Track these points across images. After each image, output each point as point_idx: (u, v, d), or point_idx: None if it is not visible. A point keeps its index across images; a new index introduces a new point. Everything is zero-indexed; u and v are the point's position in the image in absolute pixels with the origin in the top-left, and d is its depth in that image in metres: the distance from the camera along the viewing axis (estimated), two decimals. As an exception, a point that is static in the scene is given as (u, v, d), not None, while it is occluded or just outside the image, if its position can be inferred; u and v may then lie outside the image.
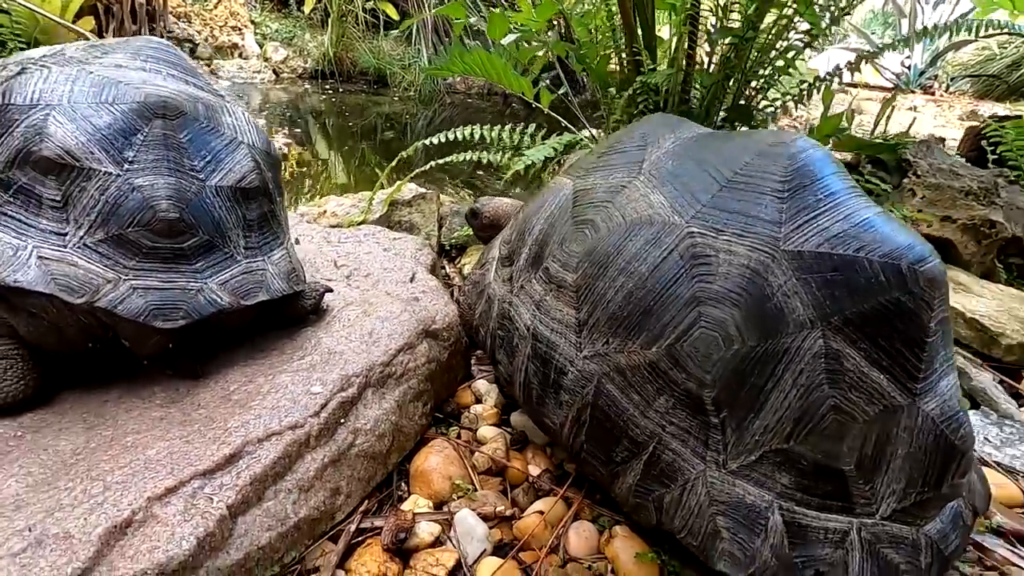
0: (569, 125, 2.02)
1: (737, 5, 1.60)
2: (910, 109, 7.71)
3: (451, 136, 1.69)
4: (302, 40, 5.89)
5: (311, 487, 0.69)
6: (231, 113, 0.84)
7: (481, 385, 1.01)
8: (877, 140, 1.86)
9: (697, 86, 1.64)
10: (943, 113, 7.55)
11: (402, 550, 0.70)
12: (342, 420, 0.75)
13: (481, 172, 3.42)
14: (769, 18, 1.57)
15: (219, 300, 0.74)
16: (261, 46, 5.60)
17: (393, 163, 1.78)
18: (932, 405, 0.63)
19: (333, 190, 3.30)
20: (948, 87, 8.98)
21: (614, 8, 1.72)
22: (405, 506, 0.76)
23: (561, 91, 2.06)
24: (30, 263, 0.65)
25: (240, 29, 5.41)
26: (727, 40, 1.54)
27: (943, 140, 2.64)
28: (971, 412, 1.11)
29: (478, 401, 0.99)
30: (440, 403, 0.96)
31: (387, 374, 0.84)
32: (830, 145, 2.04)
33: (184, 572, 0.55)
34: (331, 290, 0.96)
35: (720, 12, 1.59)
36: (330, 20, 5.63)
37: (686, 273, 0.66)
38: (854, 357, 0.61)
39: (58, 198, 0.68)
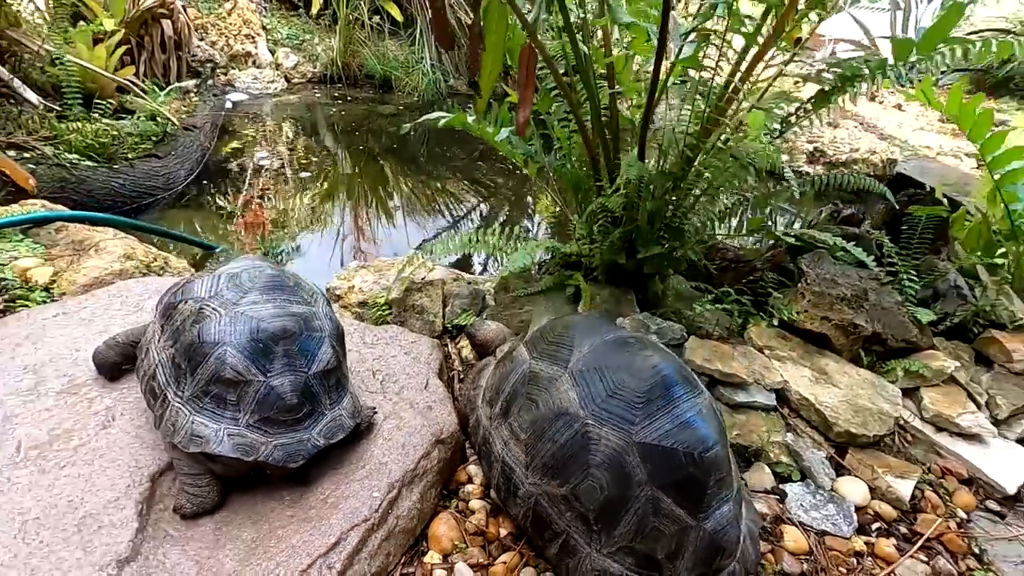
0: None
1: (674, 149, 2.07)
2: (895, 107, 8.00)
3: (451, 244, 2.18)
4: (311, 44, 6.18)
5: (375, 554, 1.24)
6: (318, 317, 1.35)
7: (472, 468, 1.56)
8: (793, 238, 2.34)
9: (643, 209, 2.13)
10: (925, 113, 7.84)
11: (426, 588, 1.26)
12: (390, 511, 1.30)
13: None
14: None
15: (319, 444, 1.28)
16: (273, 52, 5.91)
17: (411, 253, 2.25)
18: (710, 524, 1.17)
19: (342, 180, 3.86)
20: (938, 80, 9.18)
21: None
22: (426, 559, 1.32)
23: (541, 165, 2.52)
24: (223, 439, 1.18)
25: (253, 37, 5.72)
26: (664, 183, 2.01)
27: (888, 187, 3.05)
28: (798, 483, 1.67)
29: (470, 480, 1.54)
30: (446, 483, 1.51)
31: (414, 475, 1.39)
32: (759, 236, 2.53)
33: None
34: (376, 411, 1.49)
35: (660, 157, 2.06)
36: (338, 27, 5.91)
37: (583, 448, 1.19)
38: (667, 501, 1.15)
39: (234, 399, 1.20)
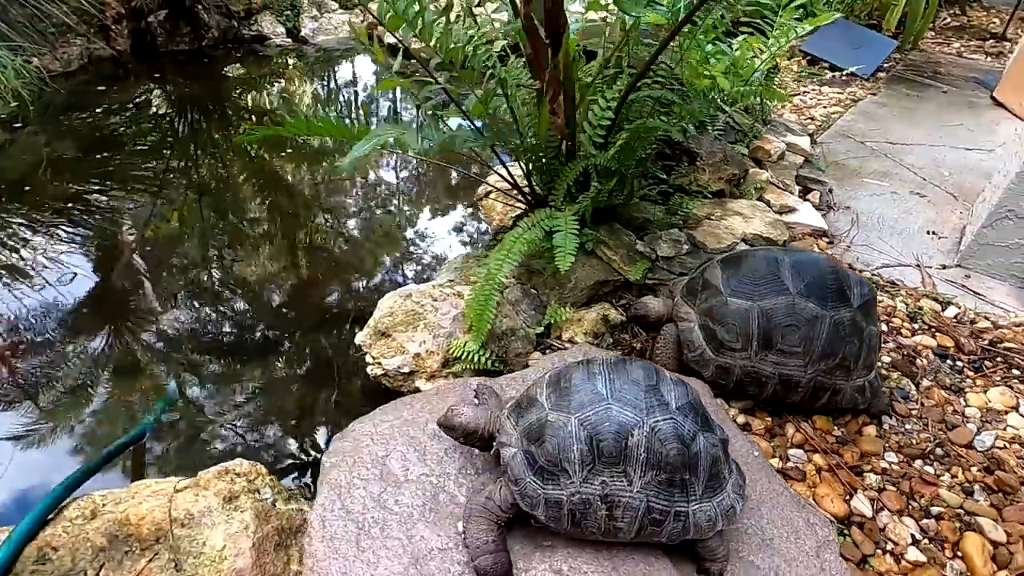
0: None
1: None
2: None
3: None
4: None
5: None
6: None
7: (718, 400, 2.02)
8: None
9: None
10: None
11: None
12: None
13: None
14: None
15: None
16: None
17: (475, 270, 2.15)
18: (873, 328, 2.01)
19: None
20: None
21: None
22: (772, 462, 1.83)
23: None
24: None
25: None
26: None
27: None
28: (793, 284, 2.67)
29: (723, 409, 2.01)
30: (718, 421, 1.95)
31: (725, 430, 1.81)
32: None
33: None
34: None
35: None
36: None
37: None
38: (869, 326, 1.92)
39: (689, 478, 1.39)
